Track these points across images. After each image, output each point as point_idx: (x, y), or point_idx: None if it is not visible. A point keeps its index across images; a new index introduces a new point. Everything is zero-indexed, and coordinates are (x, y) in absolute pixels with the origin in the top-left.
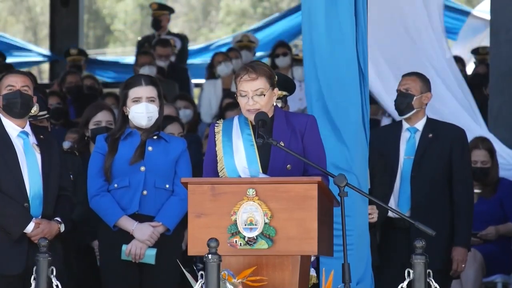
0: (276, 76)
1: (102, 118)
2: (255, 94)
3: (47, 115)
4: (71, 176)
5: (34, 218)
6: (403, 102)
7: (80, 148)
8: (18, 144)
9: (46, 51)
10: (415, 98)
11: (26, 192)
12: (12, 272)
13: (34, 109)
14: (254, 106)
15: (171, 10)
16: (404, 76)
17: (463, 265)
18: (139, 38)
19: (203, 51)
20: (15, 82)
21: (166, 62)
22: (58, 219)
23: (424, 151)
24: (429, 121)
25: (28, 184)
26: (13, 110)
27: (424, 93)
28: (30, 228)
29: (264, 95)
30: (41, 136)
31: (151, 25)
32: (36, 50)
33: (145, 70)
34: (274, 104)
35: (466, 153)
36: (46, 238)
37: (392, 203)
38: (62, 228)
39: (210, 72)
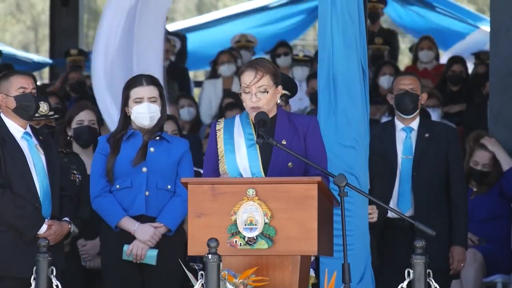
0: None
1: (84, 117)
2: (258, 91)
3: (55, 115)
4: (79, 176)
5: (46, 220)
6: (412, 101)
7: (63, 148)
8: (23, 145)
9: (46, 58)
10: (419, 98)
11: (37, 193)
12: (22, 274)
13: (45, 108)
14: (256, 104)
15: None
16: (404, 75)
17: (462, 264)
18: None
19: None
20: (26, 84)
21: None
22: (67, 219)
23: (422, 151)
24: (423, 121)
25: (38, 185)
26: (27, 113)
27: (422, 93)
28: (43, 229)
29: (267, 92)
30: (40, 137)
31: None
32: (37, 60)
33: None
34: (278, 101)
35: (460, 153)
36: (46, 238)
37: (391, 203)
38: (72, 228)
39: (213, 69)
